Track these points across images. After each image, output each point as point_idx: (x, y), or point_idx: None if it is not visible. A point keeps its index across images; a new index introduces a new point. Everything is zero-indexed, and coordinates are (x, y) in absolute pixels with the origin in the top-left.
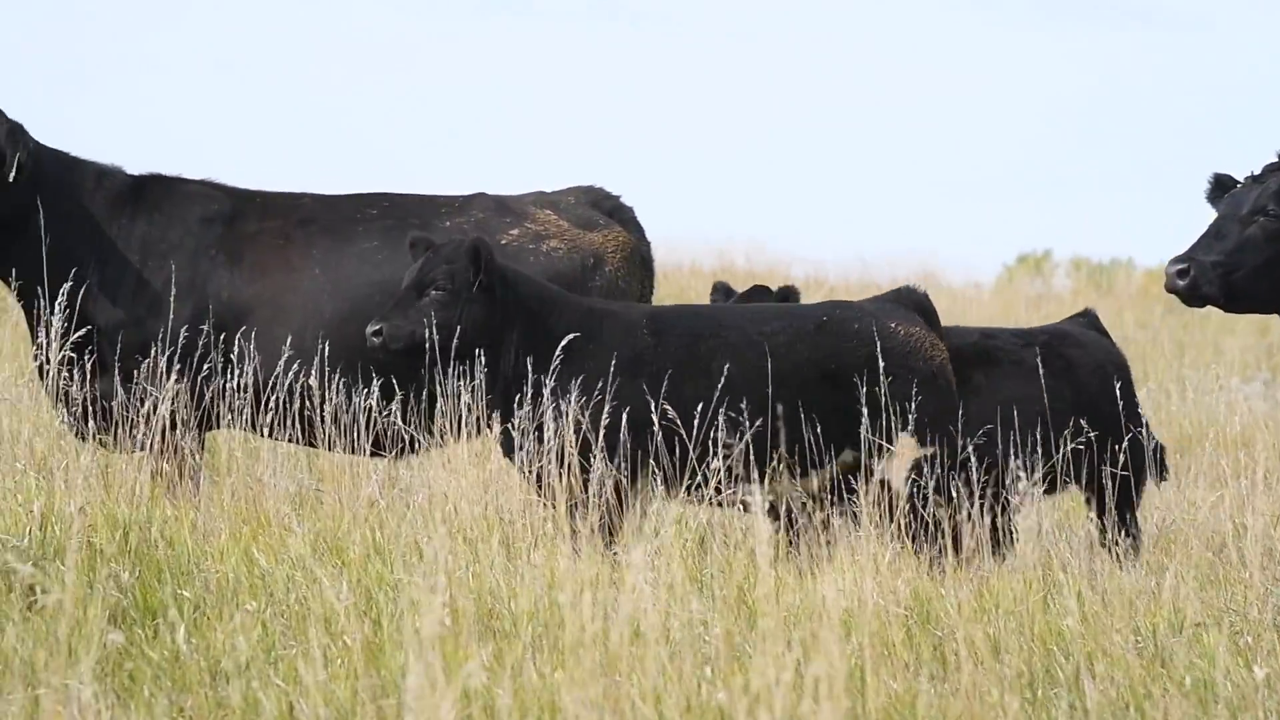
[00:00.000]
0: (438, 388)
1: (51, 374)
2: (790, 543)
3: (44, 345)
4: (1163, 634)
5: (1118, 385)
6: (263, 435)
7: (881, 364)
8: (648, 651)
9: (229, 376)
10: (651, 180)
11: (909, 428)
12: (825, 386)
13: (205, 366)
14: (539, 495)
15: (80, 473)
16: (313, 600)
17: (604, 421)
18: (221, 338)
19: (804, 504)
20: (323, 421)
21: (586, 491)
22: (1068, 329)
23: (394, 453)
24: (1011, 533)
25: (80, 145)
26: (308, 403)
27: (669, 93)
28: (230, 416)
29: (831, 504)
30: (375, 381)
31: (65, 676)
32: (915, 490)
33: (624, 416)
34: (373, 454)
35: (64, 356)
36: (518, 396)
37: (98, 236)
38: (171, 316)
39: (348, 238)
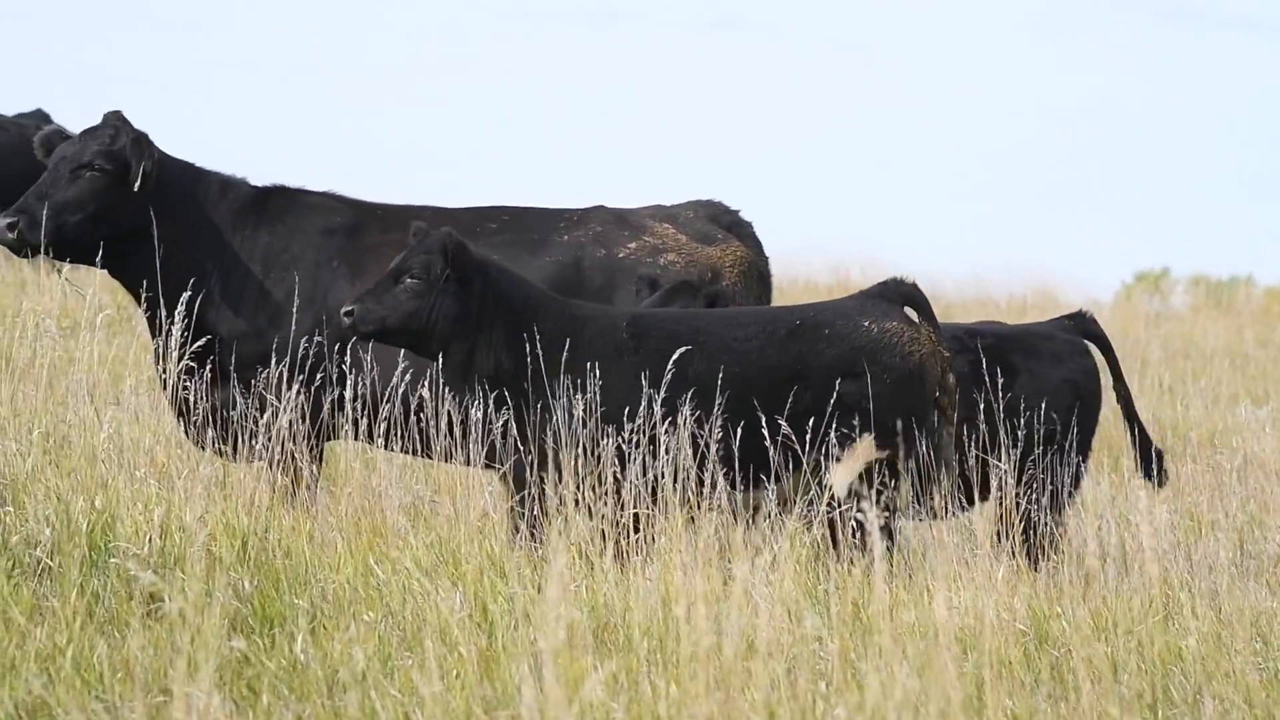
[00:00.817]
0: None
1: (172, 383)
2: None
3: (164, 354)
4: None
5: (1076, 397)
6: (379, 446)
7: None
8: (762, 667)
9: (347, 387)
10: (767, 194)
11: (870, 429)
12: (797, 391)
13: (322, 377)
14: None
15: (200, 482)
16: (428, 611)
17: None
18: (340, 349)
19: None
20: (438, 433)
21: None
22: (1032, 332)
23: (509, 464)
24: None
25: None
26: (424, 414)
27: (786, 105)
28: (348, 427)
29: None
30: (491, 393)
31: (186, 684)
32: (856, 496)
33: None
34: (486, 466)
35: (184, 365)
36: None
37: (221, 247)
38: (293, 327)
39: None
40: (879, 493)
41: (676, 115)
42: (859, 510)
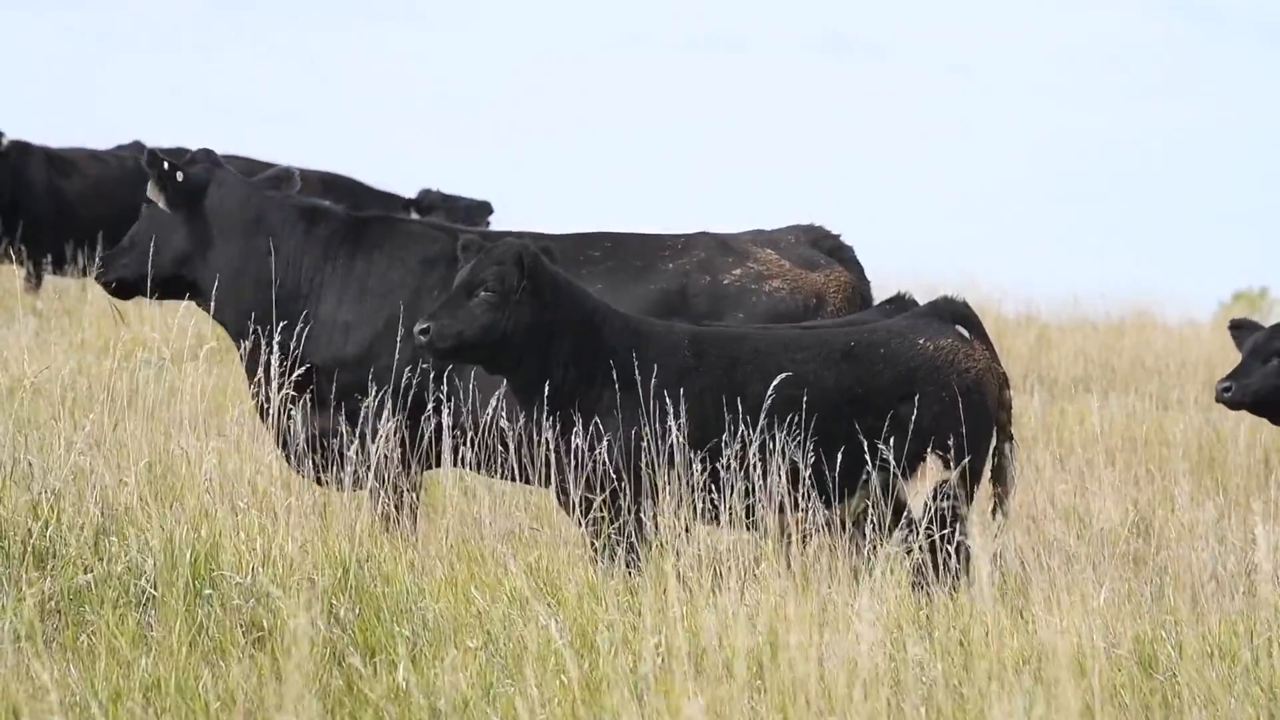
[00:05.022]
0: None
1: (272, 413)
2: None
3: (264, 384)
4: None
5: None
6: (479, 474)
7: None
8: (865, 693)
9: (446, 415)
10: (860, 216)
11: (934, 448)
12: (855, 412)
13: (428, 405)
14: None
15: (300, 511)
16: (529, 638)
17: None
18: (438, 376)
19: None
20: (534, 460)
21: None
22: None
23: (607, 491)
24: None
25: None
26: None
27: (880, 126)
28: (448, 455)
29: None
30: (558, 408)
31: (290, 713)
32: (933, 515)
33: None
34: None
35: (284, 395)
36: (570, 407)
37: (314, 275)
38: (397, 356)
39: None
40: (991, 513)
41: (766, 138)
42: (956, 533)
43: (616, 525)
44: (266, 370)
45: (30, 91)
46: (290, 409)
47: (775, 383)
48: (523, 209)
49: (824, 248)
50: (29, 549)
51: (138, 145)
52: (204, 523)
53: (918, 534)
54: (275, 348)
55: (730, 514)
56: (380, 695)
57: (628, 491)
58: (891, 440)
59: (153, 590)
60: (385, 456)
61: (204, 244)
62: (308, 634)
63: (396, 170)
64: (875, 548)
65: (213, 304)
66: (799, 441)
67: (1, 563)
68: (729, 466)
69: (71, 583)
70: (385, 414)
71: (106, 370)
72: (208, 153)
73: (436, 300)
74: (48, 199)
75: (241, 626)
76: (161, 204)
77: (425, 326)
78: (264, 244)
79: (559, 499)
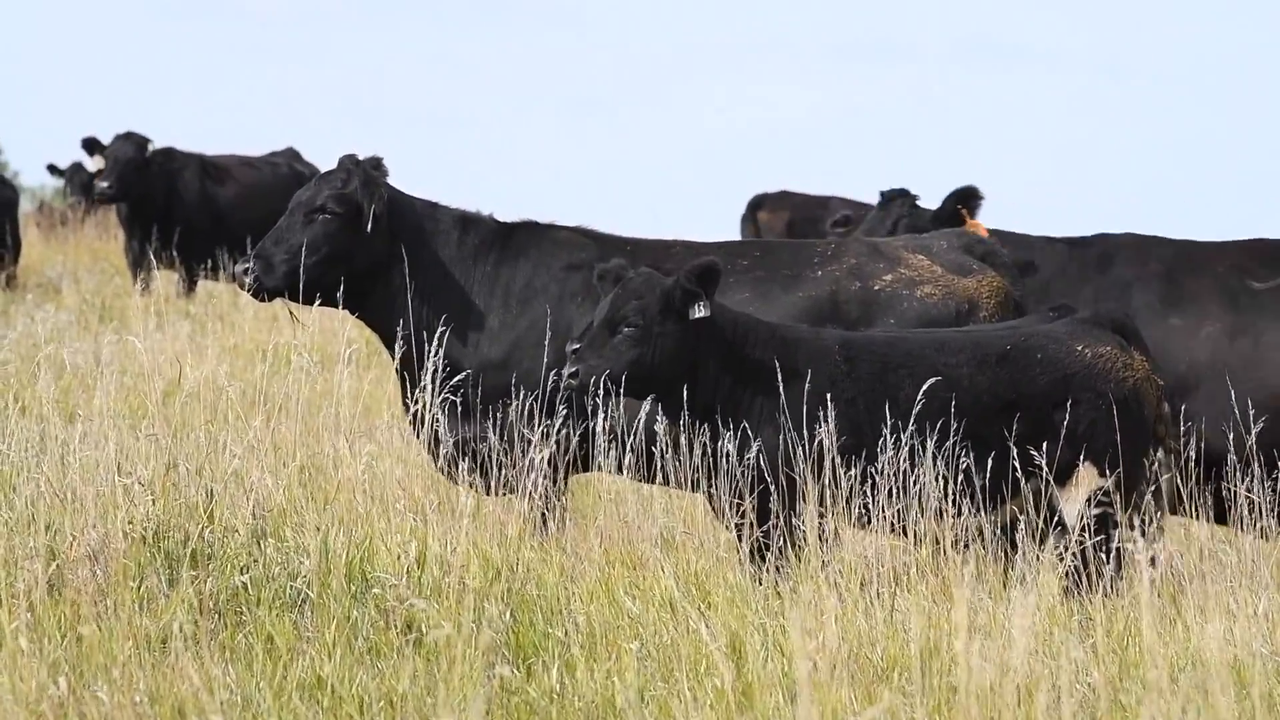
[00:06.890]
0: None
1: (423, 417)
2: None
3: (413, 389)
4: None
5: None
6: (628, 477)
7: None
8: (1021, 699)
9: (593, 420)
10: (1008, 220)
11: (1089, 456)
12: (1009, 416)
13: (567, 410)
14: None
15: (452, 514)
16: (682, 642)
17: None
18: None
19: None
20: (681, 464)
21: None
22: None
23: (754, 495)
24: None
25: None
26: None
27: (1028, 129)
28: (598, 459)
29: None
30: (710, 423)
31: (449, 714)
32: (1089, 523)
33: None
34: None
35: (437, 401)
36: (722, 423)
37: (462, 281)
38: (538, 362)
39: (719, 289)
40: (1143, 521)
41: (913, 143)
42: (1112, 541)
43: (764, 530)
44: (429, 376)
45: (190, 100)
46: (435, 413)
47: (925, 387)
48: (678, 217)
49: (977, 253)
50: (188, 550)
51: (291, 152)
52: (358, 525)
53: (1071, 541)
54: (436, 354)
55: (882, 519)
56: (539, 696)
57: (777, 497)
58: (1044, 446)
59: (308, 591)
60: (536, 461)
61: (378, 255)
62: (463, 636)
63: (538, 178)
64: (1025, 554)
65: (386, 313)
66: (952, 447)
67: (162, 564)
68: (882, 471)
69: (229, 583)
70: (534, 419)
71: (259, 374)
72: (351, 158)
73: (581, 340)
74: (201, 205)
75: (396, 627)
76: (368, 228)
77: (574, 370)
78: (432, 254)
79: (711, 504)
